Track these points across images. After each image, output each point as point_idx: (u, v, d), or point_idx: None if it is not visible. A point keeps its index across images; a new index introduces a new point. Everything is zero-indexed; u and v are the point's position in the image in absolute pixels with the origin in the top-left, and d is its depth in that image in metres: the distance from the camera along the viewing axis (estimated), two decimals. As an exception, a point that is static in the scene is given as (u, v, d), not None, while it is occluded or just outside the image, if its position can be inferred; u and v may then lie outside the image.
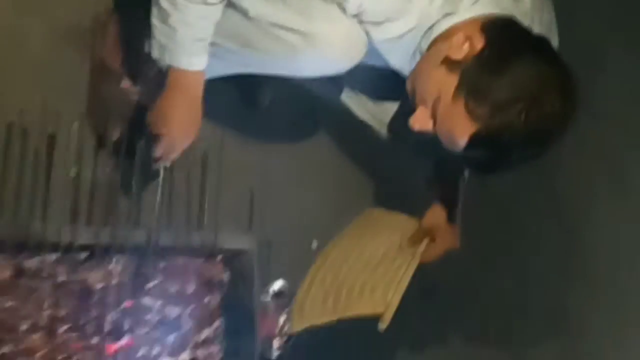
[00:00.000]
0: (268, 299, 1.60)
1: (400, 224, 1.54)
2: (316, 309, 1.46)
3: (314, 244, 1.76)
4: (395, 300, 1.38)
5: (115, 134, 1.48)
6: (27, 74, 1.48)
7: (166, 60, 1.26)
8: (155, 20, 1.24)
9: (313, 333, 1.61)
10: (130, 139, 1.41)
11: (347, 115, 1.60)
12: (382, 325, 1.38)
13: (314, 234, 1.76)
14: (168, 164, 1.39)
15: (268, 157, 1.76)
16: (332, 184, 1.85)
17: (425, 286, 1.52)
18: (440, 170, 1.55)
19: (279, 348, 1.61)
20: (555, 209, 2.06)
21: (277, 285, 1.63)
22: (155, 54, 1.26)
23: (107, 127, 1.47)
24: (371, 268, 1.44)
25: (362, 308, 1.42)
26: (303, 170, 1.82)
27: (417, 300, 1.51)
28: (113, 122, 1.48)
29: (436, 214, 1.51)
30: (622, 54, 2.12)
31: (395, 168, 1.79)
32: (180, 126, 1.32)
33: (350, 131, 1.73)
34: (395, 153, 1.64)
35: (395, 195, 1.69)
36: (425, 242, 1.48)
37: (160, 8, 1.22)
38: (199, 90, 1.29)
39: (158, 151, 1.35)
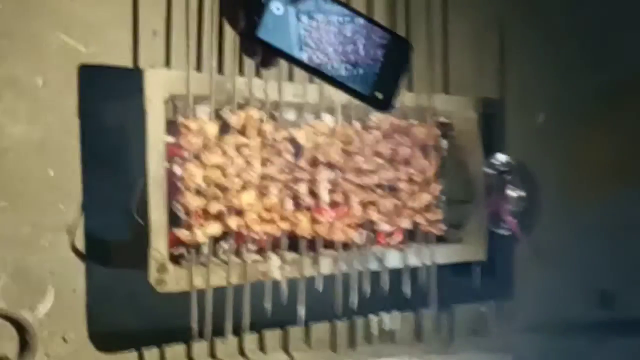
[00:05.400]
0: (492, 171, 1.44)
1: None
2: None
3: (541, 117, 1.58)
4: None
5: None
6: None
7: None
8: None
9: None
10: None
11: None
12: None
13: (539, 107, 1.58)
14: None
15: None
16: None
17: None
18: None
19: (508, 225, 1.45)
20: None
21: (501, 158, 1.46)
22: None
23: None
24: None
25: None
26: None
27: None
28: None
29: None
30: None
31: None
32: None
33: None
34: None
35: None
36: None
37: None
38: None
39: None
